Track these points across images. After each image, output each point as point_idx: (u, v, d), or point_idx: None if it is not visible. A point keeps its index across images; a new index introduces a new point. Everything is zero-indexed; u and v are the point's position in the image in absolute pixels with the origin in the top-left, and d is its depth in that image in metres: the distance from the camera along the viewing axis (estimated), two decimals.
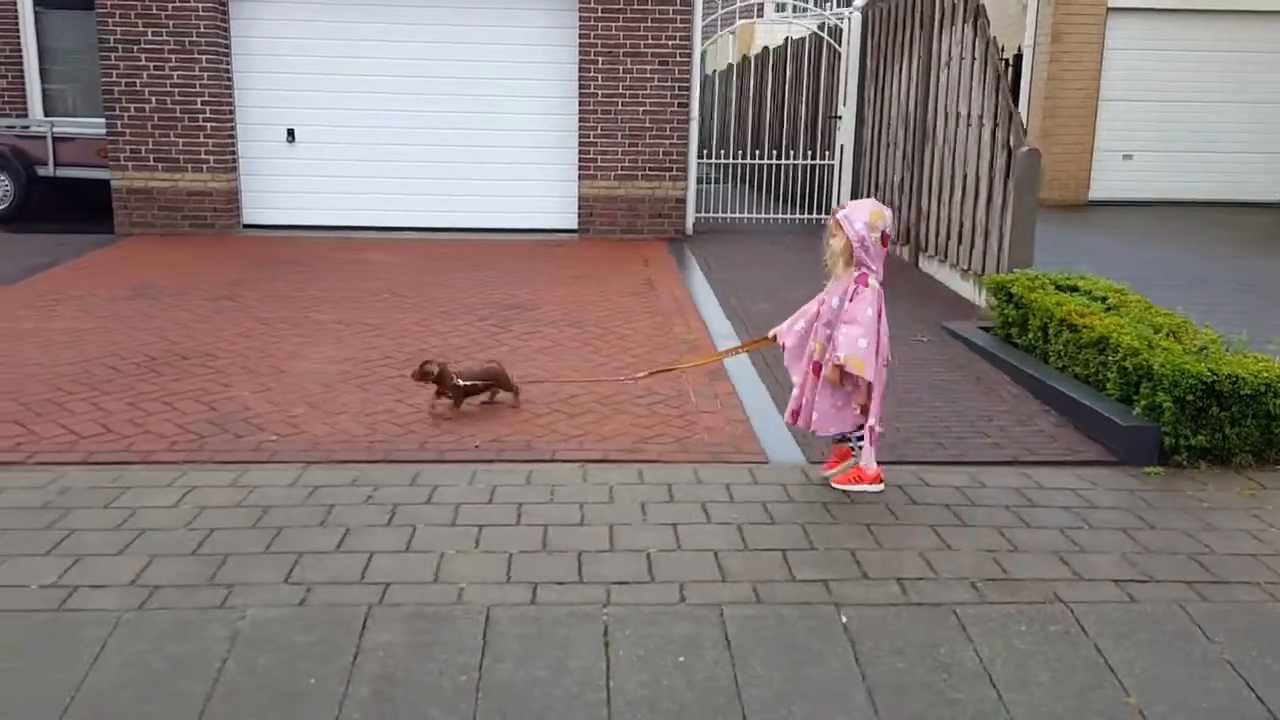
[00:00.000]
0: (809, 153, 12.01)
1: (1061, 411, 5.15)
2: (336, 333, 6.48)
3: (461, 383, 4.82)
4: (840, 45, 11.48)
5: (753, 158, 12.48)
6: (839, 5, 12.42)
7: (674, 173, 10.49)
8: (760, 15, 13.48)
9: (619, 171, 10.42)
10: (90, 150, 11.52)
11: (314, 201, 10.56)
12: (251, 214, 10.50)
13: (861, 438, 4.05)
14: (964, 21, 8.07)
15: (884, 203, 10.08)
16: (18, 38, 13.00)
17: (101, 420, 4.73)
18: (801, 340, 4.10)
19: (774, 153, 12.59)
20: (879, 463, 4.08)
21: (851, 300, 3.87)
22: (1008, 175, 7.11)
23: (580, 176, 10.44)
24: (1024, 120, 12.24)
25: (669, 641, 2.96)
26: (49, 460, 4.24)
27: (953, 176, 8.27)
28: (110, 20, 9.78)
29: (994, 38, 7.57)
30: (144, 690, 2.71)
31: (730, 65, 16.57)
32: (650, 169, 10.44)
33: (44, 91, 13.31)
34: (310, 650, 2.89)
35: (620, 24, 10.10)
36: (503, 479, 4.14)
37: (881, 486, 4.04)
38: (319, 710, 2.65)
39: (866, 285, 3.85)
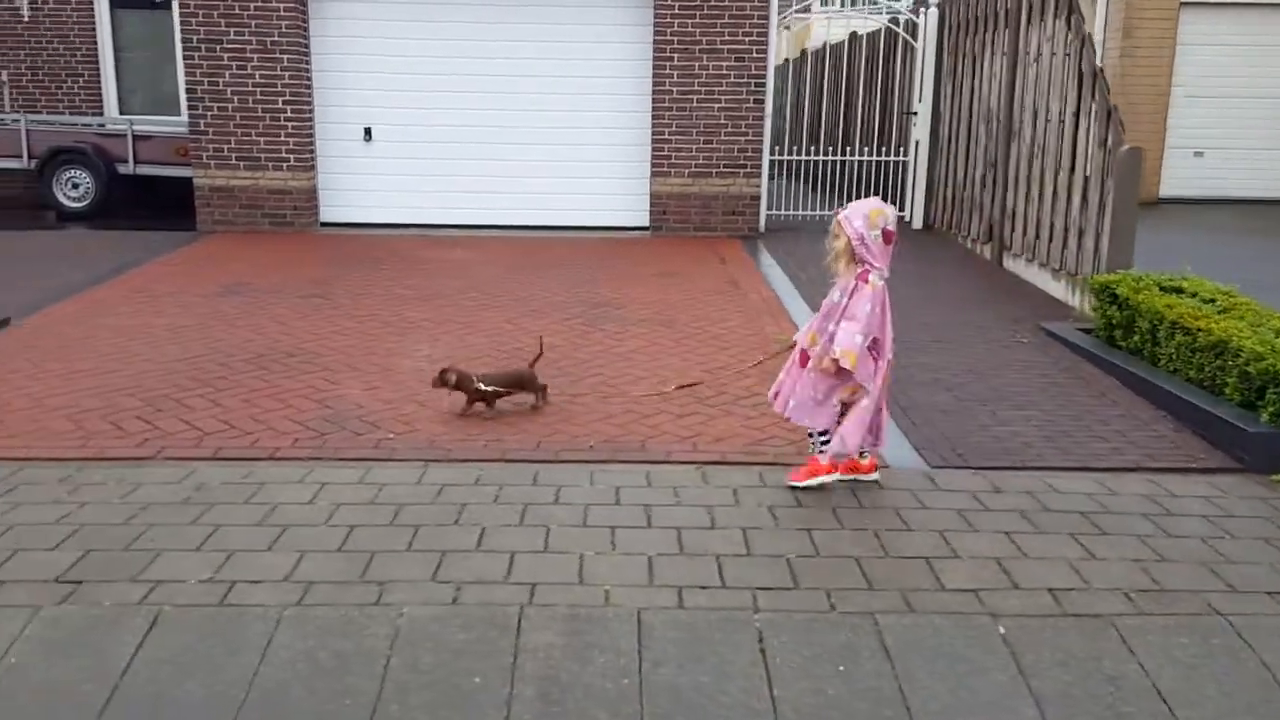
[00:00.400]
0: (883, 149, 11.88)
1: (1178, 416, 5.05)
2: (431, 331, 6.53)
3: (483, 387, 4.83)
4: (916, 40, 11.34)
5: (807, 154, 12.34)
6: (910, 0, 12.20)
7: (748, 170, 10.44)
8: (824, 5, 13.32)
9: (693, 169, 10.39)
10: (169, 148, 11.72)
11: (389, 200, 10.65)
12: (328, 212, 10.61)
13: (826, 440, 4.02)
14: (1054, 17, 7.94)
15: (965, 200, 10.10)
16: (94, 36, 13.23)
17: (222, 416, 4.80)
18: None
19: (829, 149, 12.44)
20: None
21: (851, 297, 3.88)
22: (1105, 174, 6.98)
23: (653, 174, 10.43)
24: None
25: (826, 650, 2.93)
26: (179, 456, 4.31)
27: (1042, 174, 8.14)
28: (194, 20, 9.92)
29: (1089, 34, 7.43)
30: (316, 685, 2.74)
31: (786, 60, 16.45)
32: (724, 166, 10.40)
33: (119, 90, 13.56)
34: (470, 649, 2.90)
35: (697, 20, 10.06)
36: (623, 480, 4.14)
37: (836, 476, 4.03)
38: (488, 710, 2.67)
39: (866, 282, 3.86)
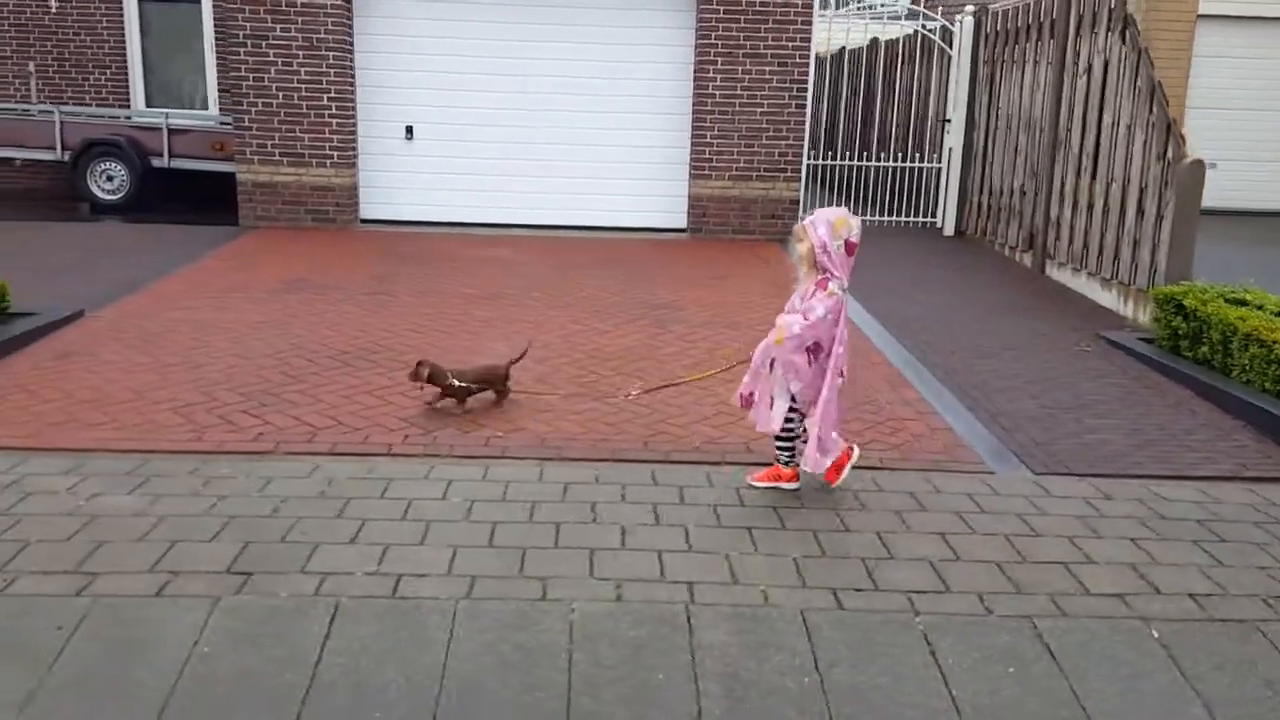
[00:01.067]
0: (916, 155, 11.99)
1: (1258, 427, 5.16)
2: (502, 330, 6.58)
3: (455, 383, 4.86)
4: (950, 48, 11.46)
5: (825, 158, 12.38)
6: (929, 9, 12.27)
7: (788, 174, 10.54)
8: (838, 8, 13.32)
9: (733, 172, 10.47)
10: (205, 143, 11.73)
11: (429, 198, 10.67)
12: (367, 209, 10.63)
13: (784, 448, 4.09)
14: (1108, 31, 8.06)
15: (1003, 209, 10.21)
16: (122, 29, 13.21)
17: (326, 412, 4.85)
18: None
19: (846, 154, 12.49)
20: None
21: (808, 299, 3.92)
22: (1164, 186, 7.11)
23: (694, 176, 10.51)
24: None
25: (993, 651, 3.02)
26: (297, 451, 4.36)
27: (1092, 185, 8.27)
28: (240, 15, 9.92)
29: (1145, 48, 7.56)
30: (507, 677, 2.80)
31: None
32: (765, 169, 10.49)
33: (146, 83, 13.54)
34: (647, 645, 2.97)
35: (741, 24, 10.14)
36: (743, 480, 4.21)
37: (797, 485, 4.12)
38: (679, 706, 2.73)
39: (824, 289, 3.90)
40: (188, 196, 12.28)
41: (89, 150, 11.51)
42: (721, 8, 10.10)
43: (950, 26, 11.48)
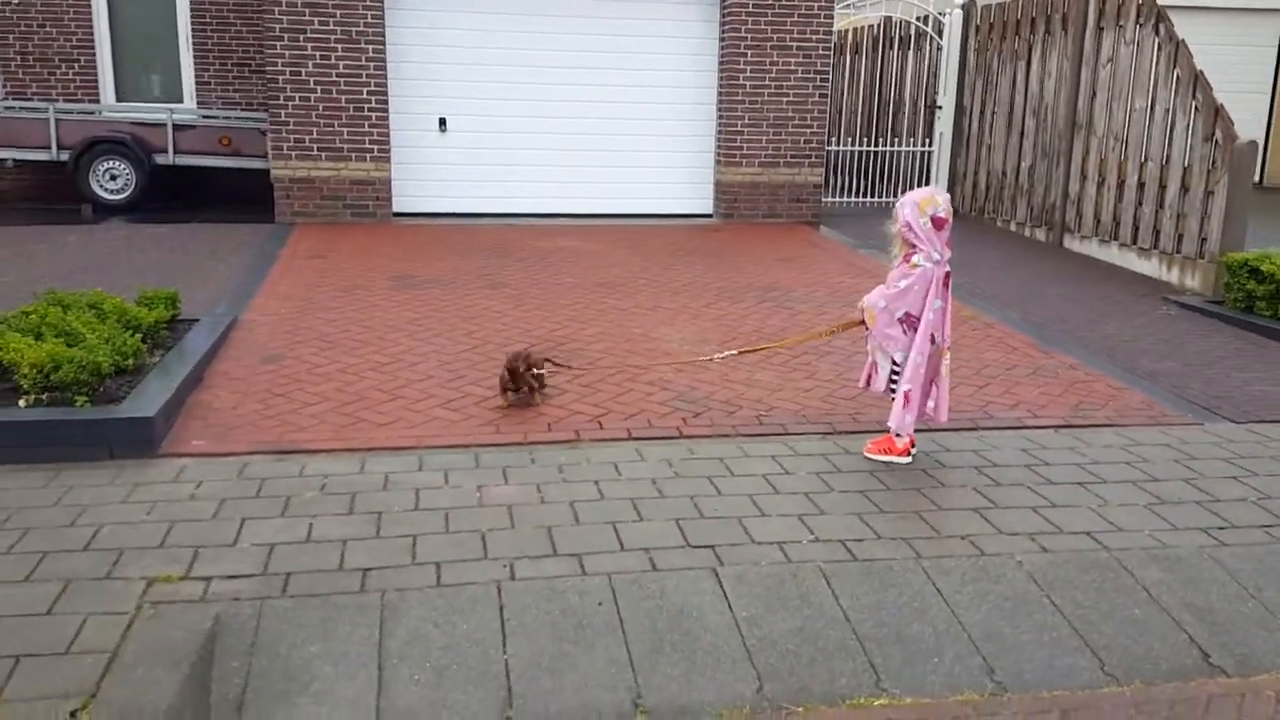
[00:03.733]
0: (910, 140, 12.73)
1: None
2: (661, 315, 6.81)
3: (536, 371, 4.97)
4: (941, 39, 12.22)
5: (840, 144, 13.08)
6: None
7: (812, 160, 11.08)
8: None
9: (763, 159, 10.95)
10: (212, 139, 11.42)
11: (463, 189, 10.75)
12: (400, 202, 10.62)
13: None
14: (1136, 24, 8.88)
15: (1006, 188, 11.02)
16: (90, 20, 12.66)
17: (591, 400, 5.07)
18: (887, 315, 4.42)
19: (849, 140, 13.17)
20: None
21: (895, 273, 4.38)
22: (1212, 164, 7.95)
23: (726, 163, 10.93)
24: None
25: None
26: (606, 437, 4.59)
27: (1122, 164, 9.10)
28: (275, 9, 9.75)
29: (1182, 40, 8.39)
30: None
31: None
32: (792, 156, 11.01)
33: (116, 77, 13.01)
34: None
35: (769, 18, 10.60)
36: (985, 443, 4.68)
37: (908, 459, 4.39)
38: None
39: (908, 262, 4.34)
40: (191, 194, 11.94)
41: (91, 149, 11.03)
42: (750, 3, 10.52)
43: (941, 18, 12.23)
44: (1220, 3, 14.82)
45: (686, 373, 5.56)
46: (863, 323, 4.47)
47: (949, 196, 4.38)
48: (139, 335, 5.02)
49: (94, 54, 12.71)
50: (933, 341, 4.33)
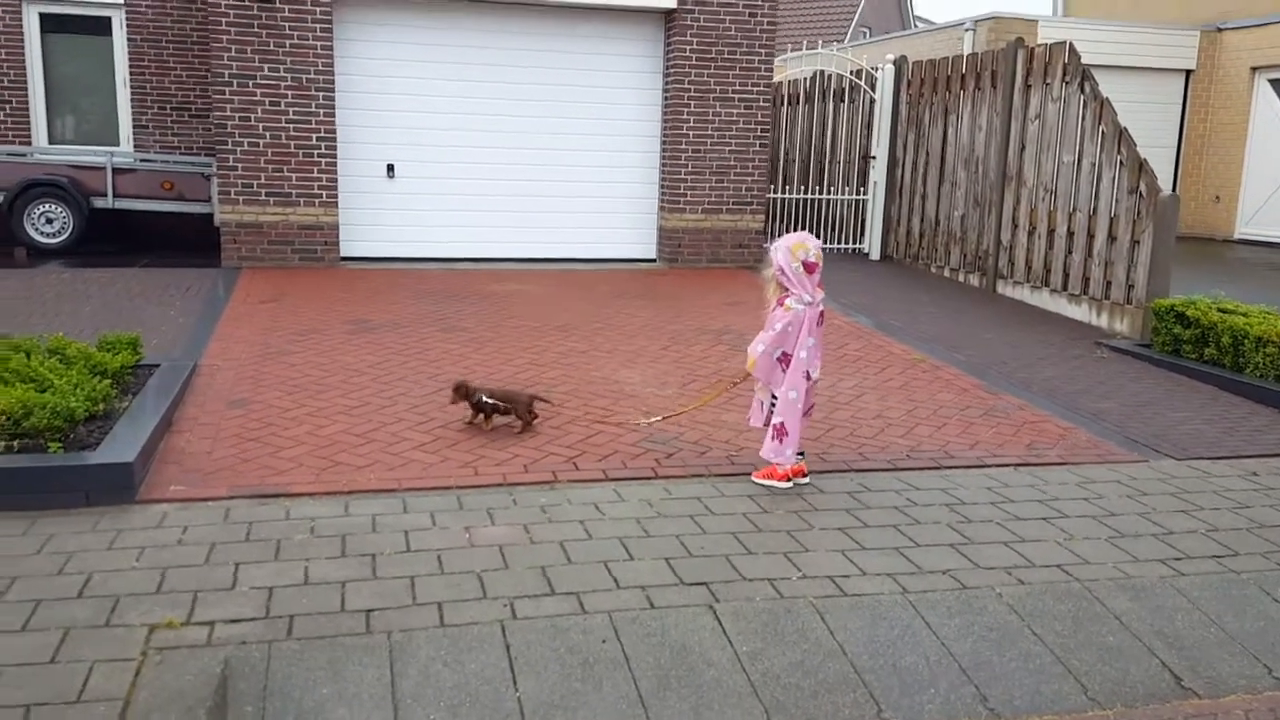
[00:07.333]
0: (846, 188, 13.14)
1: None
2: (620, 358, 6.94)
3: (486, 400, 5.28)
4: (875, 93, 12.69)
5: (778, 192, 13.39)
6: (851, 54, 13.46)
7: (754, 207, 11.37)
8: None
9: (705, 205, 11.20)
10: (154, 183, 11.27)
11: (409, 235, 10.77)
12: (348, 246, 10.58)
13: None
14: (1063, 82, 9.38)
15: (939, 235, 11.44)
16: (23, 61, 12.47)
17: (563, 443, 5.15)
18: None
19: (785, 188, 13.52)
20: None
21: (771, 317, 4.67)
22: (1138, 215, 8.40)
23: (670, 209, 11.15)
24: None
25: None
26: (584, 478, 4.67)
27: (1052, 214, 9.55)
28: (225, 55, 9.72)
29: (1107, 98, 8.89)
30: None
31: None
32: (734, 203, 11.28)
33: (49, 119, 12.81)
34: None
35: (711, 70, 10.91)
36: (951, 482, 4.90)
37: (789, 484, 4.66)
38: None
39: (782, 305, 4.63)
40: (129, 238, 11.74)
41: (26, 191, 10.79)
42: (694, 56, 10.83)
43: (875, 73, 12.71)
44: (1132, 61, 15.66)
45: (653, 413, 5.67)
46: (747, 375, 4.77)
47: (819, 242, 4.64)
48: (108, 380, 4.95)
49: (26, 95, 12.50)
50: (808, 378, 4.59)
